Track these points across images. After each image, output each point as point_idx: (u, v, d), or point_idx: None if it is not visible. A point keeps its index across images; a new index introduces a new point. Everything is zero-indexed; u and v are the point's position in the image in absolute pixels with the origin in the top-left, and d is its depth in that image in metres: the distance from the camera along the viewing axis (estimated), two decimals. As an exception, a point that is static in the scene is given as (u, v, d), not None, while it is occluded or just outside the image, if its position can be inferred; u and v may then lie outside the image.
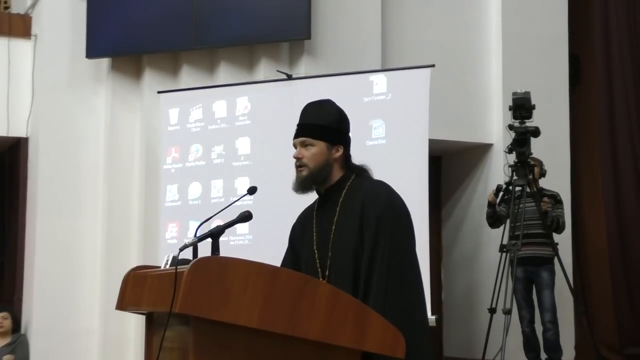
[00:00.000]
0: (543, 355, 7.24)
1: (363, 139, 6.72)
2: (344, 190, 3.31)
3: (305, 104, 3.42)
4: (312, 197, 3.41)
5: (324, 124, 3.30)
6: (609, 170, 8.72)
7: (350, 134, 3.42)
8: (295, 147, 3.34)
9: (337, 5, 7.77)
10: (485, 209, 7.46)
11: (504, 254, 6.82)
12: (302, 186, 3.32)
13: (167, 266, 3.11)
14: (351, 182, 3.32)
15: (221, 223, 3.25)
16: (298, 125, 3.35)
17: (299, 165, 3.30)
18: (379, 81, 6.88)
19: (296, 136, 3.34)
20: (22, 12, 8.41)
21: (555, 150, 8.25)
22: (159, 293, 3.02)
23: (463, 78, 8.43)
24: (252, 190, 3.54)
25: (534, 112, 6.92)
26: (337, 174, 3.33)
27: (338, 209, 3.28)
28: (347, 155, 3.35)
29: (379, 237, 3.15)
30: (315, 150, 3.28)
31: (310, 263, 3.30)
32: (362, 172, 3.38)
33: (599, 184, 8.89)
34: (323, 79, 7.07)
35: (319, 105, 3.38)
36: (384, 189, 3.29)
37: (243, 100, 7.19)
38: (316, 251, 3.30)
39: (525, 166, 6.88)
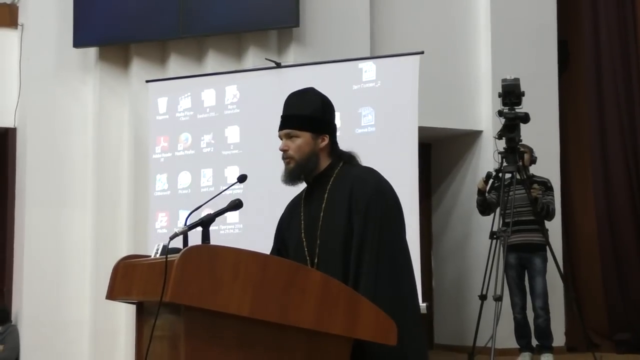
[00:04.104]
0: (534, 342, 7.26)
1: (352, 127, 6.71)
2: (332, 178, 3.29)
3: (289, 93, 3.40)
4: (303, 184, 3.40)
5: (307, 114, 3.27)
6: (598, 156, 8.73)
7: (336, 121, 3.40)
8: (281, 139, 3.32)
9: (325, -8, 7.76)
10: (475, 196, 7.46)
11: (494, 241, 6.83)
12: (290, 178, 3.30)
13: (157, 255, 3.10)
14: (339, 170, 3.31)
15: (211, 212, 3.23)
16: (282, 116, 3.33)
17: (286, 158, 3.29)
18: (368, 69, 6.87)
19: (281, 128, 3.32)
20: (8, 1, 8.35)
21: (545, 137, 8.26)
22: (149, 282, 3.00)
23: (452, 65, 8.43)
24: (242, 179, 3.52)
25: (523, 98, 6.91)
26: (324, 162, 3.31)
27: (326, 196, 3.27)
28: (333, 143, 3.34)
29: (368, 222, 3.13)
30: (301, 141, 3.26)
31: (298, 251, 3.29)
32: (350, 159, 3.36)
33: (589, 170, 8.91)
34: (312, 67, 7.06)
35: (301, 95, 3.35)
36: (372, 175, 3.28)
37: (232, 89, 7.17)
38: (304, 239, 3.29)
39: (515, 152, 6.86)
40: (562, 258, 8.22)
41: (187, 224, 3.13)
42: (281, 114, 3.34)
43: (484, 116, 8.46)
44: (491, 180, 7.22)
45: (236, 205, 3.29)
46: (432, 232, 9.16)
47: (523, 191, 6.97)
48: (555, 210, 7.35)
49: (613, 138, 8.66)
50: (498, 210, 7.01)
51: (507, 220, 6.77)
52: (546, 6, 8.72)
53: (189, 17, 7.52)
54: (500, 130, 6.91)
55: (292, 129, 3.28)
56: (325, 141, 3.29)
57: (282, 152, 3.30)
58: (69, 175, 7.88)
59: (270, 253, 3.43)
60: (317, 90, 3.38)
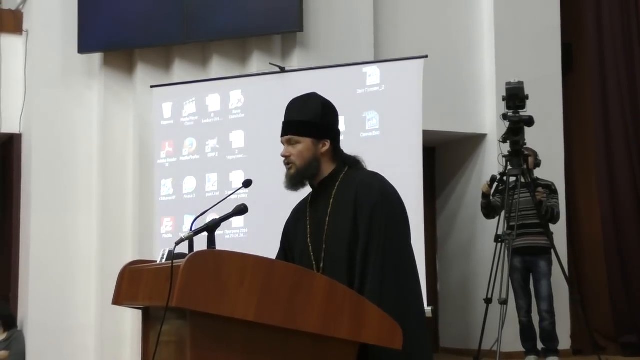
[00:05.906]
0: (539, 345, 7.26)
1: (357, 131, 6.72)
2: (337, 183, 3.30)
3: (290, 100, 3.41)
4: (308, 189, 3.41)
5: (307, 120, 3.29)
6: (602, 159, 8.72)
7: (340, 125, 3.41)
8: (283, 145, 3.33)
9: (329, -3, 7.77)
10: (479, 200, 7.47)
11: (499, 244, 6.83)
12: (291, 184, 3.32)
13: (163, 260, 3.11)
14: (344, 174, 3.32)
15: (216, 217, 3.24)
16: (283, 122, 3.35)
17: (287, 164, 3.31)
18: (372, 73, 6.88)
19: (282, 134, 3.34)
20: (13, 8, 8.38)
21: (549, 140, 8.26)
22: (155, 288, 3.01)
23: (456, 69, 8.43)
24: (247, 184, 3.53)
25: (527, 101, 6.92)
26: (328, 167, 3.33)
27: (331, 201, 3.28)
28: (335, 148, 3.34)
29: (373, 227, 3.14)
30: (301, 147, 3.28)
31: (304, 256, 3.29)
32: (355, 164, 3.37)
33: (593, 173, 8.90)
34: (316, 72, 7.07)
35: (302, 100, 3.37)
36: (377, 179, 3.29)
37: (236, 94, 7.18)
38: (310, 244, 3.30)
39: (520, 156, 6.87)
40: (567, 261, 8.21)
41: (193, 229, 3.14)
42: (283, 119, 3.35)
43: (488, 119, 8.46)
44: (495, 184, 7.23)
45: (241, 210, 3.29)
46: (437, 236, 9.16)
47: (528, 194, 6.97)
48: (559, 213, 7.35)
49: (617, 140, 8.65)
50: (503, 213, 7.02)
51: (511, 224, 6.78)
52: (550, 9, 8.72)
53: (194, 22, 7.53)
54: (505, 134, 6.92)
55: (292, 134, 3.29)
56: (326, 146, 3.30)
57: (283, 158, 3.32)
58: (74, 180, 7.90)
59: (276, 258, 3.43)
60: (319, 95, 3.39)
